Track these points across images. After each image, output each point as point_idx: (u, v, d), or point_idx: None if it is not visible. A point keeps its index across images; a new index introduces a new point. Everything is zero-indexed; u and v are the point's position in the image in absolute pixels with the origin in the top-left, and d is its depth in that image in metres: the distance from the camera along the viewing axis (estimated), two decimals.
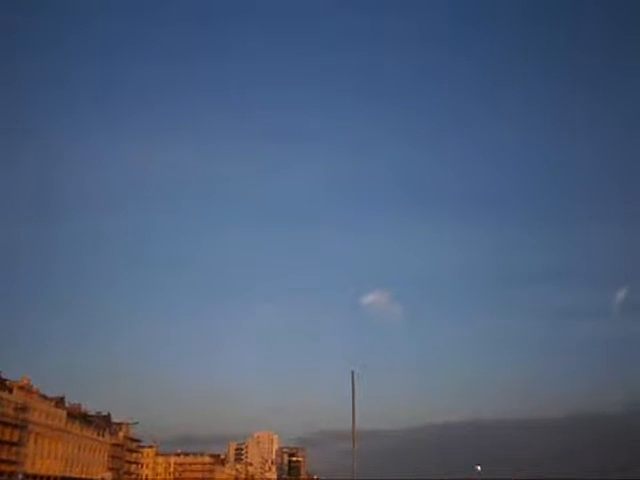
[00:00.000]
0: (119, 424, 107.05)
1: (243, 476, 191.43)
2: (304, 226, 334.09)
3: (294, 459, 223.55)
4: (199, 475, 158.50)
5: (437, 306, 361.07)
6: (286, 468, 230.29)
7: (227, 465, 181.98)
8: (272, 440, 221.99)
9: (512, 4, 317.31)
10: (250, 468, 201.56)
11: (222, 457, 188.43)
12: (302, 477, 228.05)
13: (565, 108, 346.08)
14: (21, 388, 74.28)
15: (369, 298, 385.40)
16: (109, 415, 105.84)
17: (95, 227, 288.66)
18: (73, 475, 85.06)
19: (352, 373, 53.45)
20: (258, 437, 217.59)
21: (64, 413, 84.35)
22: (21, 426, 71.08)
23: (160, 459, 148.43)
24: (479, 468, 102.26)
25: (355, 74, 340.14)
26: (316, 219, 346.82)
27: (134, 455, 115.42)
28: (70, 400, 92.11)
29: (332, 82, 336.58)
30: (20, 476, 69.33)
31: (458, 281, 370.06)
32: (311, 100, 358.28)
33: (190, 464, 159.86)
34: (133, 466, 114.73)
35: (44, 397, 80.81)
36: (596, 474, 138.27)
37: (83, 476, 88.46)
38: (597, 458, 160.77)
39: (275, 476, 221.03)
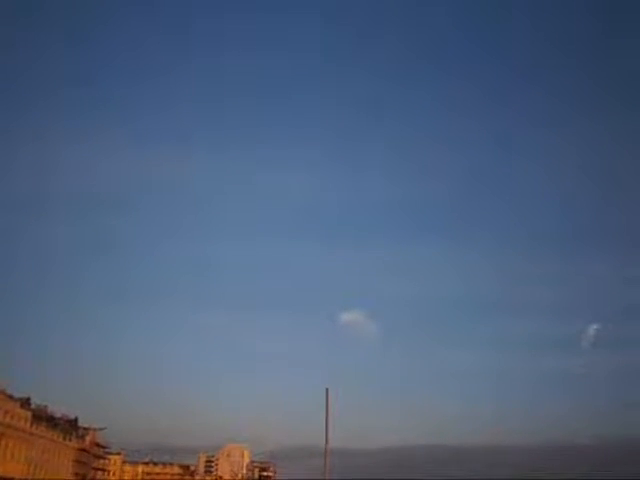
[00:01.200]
0: (86, 429, 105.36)
1: None
2: (284, 240, 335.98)
3: (265, 474, 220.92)
4: None
5: (413, 328, 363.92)
6: None
7: (197, 477, 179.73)
8: (243, 453, 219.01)
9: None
10: None
11: (192, 468, 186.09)
12: None
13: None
14: None
15: (347, 316, 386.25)
16: (76, 419, 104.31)
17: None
18: (37, 479, 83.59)
19: (326, 390, 53.62)
20: (229, 450, 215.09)
21: (29, 414, 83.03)
22: None
23: (127, 467, 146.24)
24: None
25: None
26: (298, 234, 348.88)
27: (101, 462, 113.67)
28: (36, 401, 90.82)
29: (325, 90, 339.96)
30: None
31: (431, 306, 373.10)
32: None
33: (158, 474, 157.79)
34: (99, 473, 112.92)
35: (9, 397, 79.59)
36: None
37: None
38: None
39: None
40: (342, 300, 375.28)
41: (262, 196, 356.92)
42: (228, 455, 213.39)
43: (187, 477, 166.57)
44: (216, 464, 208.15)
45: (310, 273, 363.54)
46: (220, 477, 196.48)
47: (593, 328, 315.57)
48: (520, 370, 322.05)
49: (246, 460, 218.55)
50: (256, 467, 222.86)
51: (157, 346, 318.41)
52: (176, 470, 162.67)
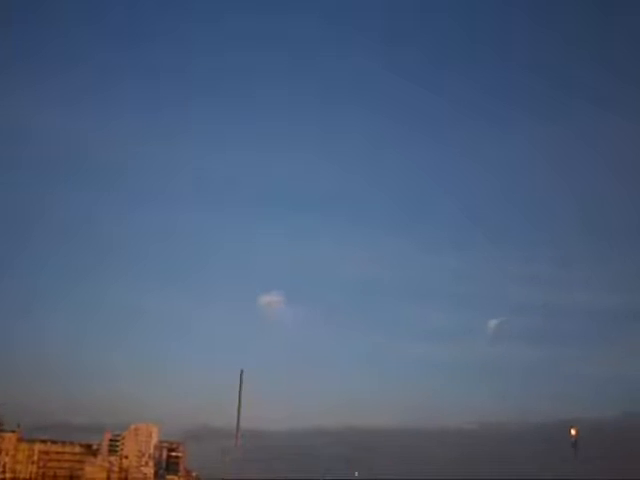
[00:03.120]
0: None
1: (117, 469, 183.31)
2: (205, 216, 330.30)
3: (174, 454, 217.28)
4: (66, 466, 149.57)
5: (331, 314, 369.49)
6: (164, 463, 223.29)
7: (99, 457, 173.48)
8: (152, 433, 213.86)
9: None
10: (125, 461, 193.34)
11: (95, 448, 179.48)
12: (181, 473, 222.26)
13: None
14: None
15: (266, 298, 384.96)
16: None
17: None
18: None
19: (241, 372, 51.84)
20: (137, 429, 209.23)
21: None
22: None
23: (23, 445, 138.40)
24: (357, 474, 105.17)
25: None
26: (219, 209, 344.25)
27: None
28: None
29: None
30: None
31: (353, 293, 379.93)
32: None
33: (57, 453, 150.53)
34: None
35: None
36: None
37: None
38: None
39: (152, 471, 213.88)
40: (261, 281, 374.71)
41: (182, 171, 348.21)
42: (135, 434, 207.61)
43: (89, 457, 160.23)
44: (122, 443, 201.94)
45: (230, 253, 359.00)
46: (125, 457, 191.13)
47: (493, 322, 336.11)
48: (423, 357, 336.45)
49: (154, 440, 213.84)
50: (165, 447, 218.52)
51: (74, 322, 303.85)
52: (77, 449, 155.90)
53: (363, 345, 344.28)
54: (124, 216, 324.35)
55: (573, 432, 42.61)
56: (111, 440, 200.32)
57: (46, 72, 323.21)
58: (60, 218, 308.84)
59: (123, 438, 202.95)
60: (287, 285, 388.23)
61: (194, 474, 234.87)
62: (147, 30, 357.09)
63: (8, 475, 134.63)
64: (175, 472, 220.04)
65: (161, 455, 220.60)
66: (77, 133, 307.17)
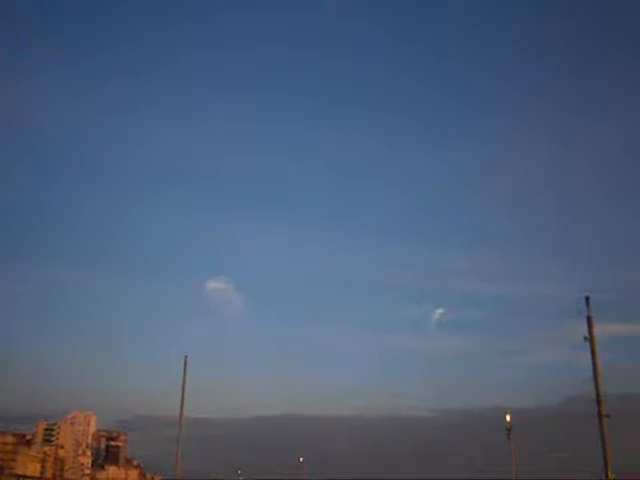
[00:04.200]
0: None
1: (52, 459, 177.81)
2: (155, 202, 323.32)
3: (113, 443, 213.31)
4: None
5: (278, 302, 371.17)
6: (104, 452, 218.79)
7: (33, 447, 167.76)
8: (89, 421, 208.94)
9: None
10: (61, 451, 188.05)
11: (28, 437, 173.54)
12: (121, 462, 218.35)
13: None
14: None
15: (213, 284, 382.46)
16: None
17: None
18: None
19: (185, 358, 50.69)
20: (74, 417, 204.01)
21: None
22: None
23: None
24: (301, 459, 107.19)
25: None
26: (164, 197, 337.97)
27: None
28: None
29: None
30: None
31: (302, 284, 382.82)
32: None
33: None
34: None
35: None
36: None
37: None
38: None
39: (90, 461, 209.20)
40: (209, 268, 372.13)
41: (133, 154, 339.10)
42: (72, 423, 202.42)
43: (22, 447, 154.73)
44: (58, 433, 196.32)
45: (177, 239, 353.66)
46: (61, 446, 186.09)
47: (438, 312, 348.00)
48: (376, 346, 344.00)
49: (93, 429, 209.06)
50: (103, 436, 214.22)
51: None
52: (9, 439, 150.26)
53: (308, 335, 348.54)
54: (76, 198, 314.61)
55: (508, 418, 44.21)
56: (46, 429, 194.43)
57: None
58: None
59: (59, 427, 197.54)
60: (235, 273, 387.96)
61: (135, 463, 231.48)
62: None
63: None
64: (115, 462, 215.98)
65: (100, 444, 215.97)
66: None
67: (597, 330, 24.68)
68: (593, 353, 23.95)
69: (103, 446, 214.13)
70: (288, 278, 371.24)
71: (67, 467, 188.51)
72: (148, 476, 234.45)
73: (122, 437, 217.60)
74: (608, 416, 25.64)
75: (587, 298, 23.88)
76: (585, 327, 24.97)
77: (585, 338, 24.05)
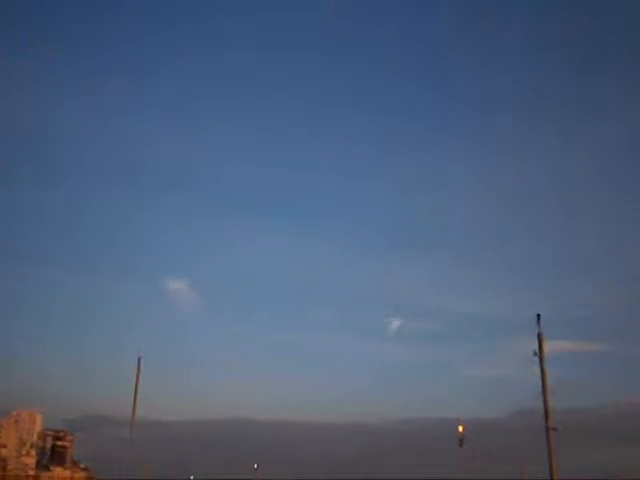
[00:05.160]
0: None
1: None
2: (115, 197, 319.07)
3: (60, 443, 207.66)
4: None
5: (238, 305, 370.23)
6: (49, 453, 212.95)
7: None
8: (35, 420, 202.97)
9: None
10: (3, 450, 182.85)
11: None
12: (67, 464, 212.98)
13: None
14: None
15: (171, 284, 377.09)
16: None
17: None
18: None
19: (139, 359, 50.10)
20: (18, 415, 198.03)
21: None
22: None
23: None
24: (256, 466, 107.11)
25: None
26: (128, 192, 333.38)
27: None
28: None
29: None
30: None
31: (263, 287, 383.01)
32: None
33: None
34: None
35: None
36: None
37: None
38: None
39: (34, 461, 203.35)
40: (166, 267, 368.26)
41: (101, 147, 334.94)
42: (16, 421, 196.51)
43: None
44: (0, 431, 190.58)
45: (135, 236, 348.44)
46: (4, 446, 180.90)
47: (397, 321, 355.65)
48: (332, 352, 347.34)
49: (38, 428, 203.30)
50: (50, 435, 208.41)
51: None
52: None
53: (267, 338, 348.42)
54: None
55: (460, 429, 45.23)
56: None
57: None
58: None
59: (1, 426, 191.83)
60: (194, 272, 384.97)
61: (82, 465, 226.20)
62: None
63: None
64: (61, 463, 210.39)
65: (45, 444, 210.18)
66: None
67: (548, 346, 25.71)
68: (542, 369, 24.95)
69: (49, 446, 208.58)
70: (250, 280, 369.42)
71: (10, 467, 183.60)
72: (96, 478, 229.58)
73: (69, 437, 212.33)
74: (555, 429, 26.70)
75: (538, 315, 24.91)
76: (536, 343, 26.01)
77: (535, 354, 25.05)
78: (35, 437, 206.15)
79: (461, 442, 45.55)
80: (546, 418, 26.58)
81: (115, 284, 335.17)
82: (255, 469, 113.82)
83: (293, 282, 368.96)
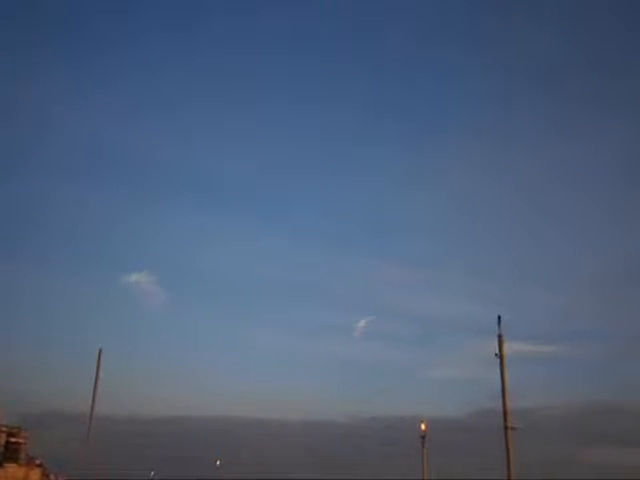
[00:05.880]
0: None
1: None
2: (75, 188, 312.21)
3: (14, 440, 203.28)
4: None
5: (203, 301, 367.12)
6: (3, 449, 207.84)
7: None
8: None
9: None
10: None
11: None
12: (22, 461, 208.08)
13: None
14: None
15: (134, 277, 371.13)
16: None
17: None
18: None
19: (99, 352, 49.36)
20: None
21: None
22: None
23: None
24: (218, 463, 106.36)
25: None
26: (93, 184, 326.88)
27: None
28: None
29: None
30: None
31: (231, 284, 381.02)
32: None
33: None
34: None
35: None
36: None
37: None
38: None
39: None
40: (129, 261, 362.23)
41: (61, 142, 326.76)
42: None
43: None
44: None
45: (96, 229, 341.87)
46: None
47: (364, 321, 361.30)
48: (298, 351, 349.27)
49: None
50: (4, 432, 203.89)
51: None
52: None
53: (233, 336, 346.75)
54: None
55: (423, 427, 46.13)
56: None
57: None
58: None
59: None
60: (161, 266, 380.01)
61: (37, 461, 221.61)
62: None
63: None
64: (15, 459, 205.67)
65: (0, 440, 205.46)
66: None
67: (508, 348, 26.60)
68: (502, 369, 25.81)
69: (3, 442, 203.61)
70: (219, 278, 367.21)
71: None
72: (52, 476, 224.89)
73: (23, 433, 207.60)
74: (513, 429, 27.61)
75: (499, 317, 25.78)
76: (505, 344, 26.86)
77: (496, 355, 25.89)
78: None
79: (423, 440, 46.60)
80: (505, 417, 27.43)
81: (74, 277, 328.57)
82: (217, 466, 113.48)
83: (259, 279, 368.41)
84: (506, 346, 25.65)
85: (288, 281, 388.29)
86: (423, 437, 46.56)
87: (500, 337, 26.04)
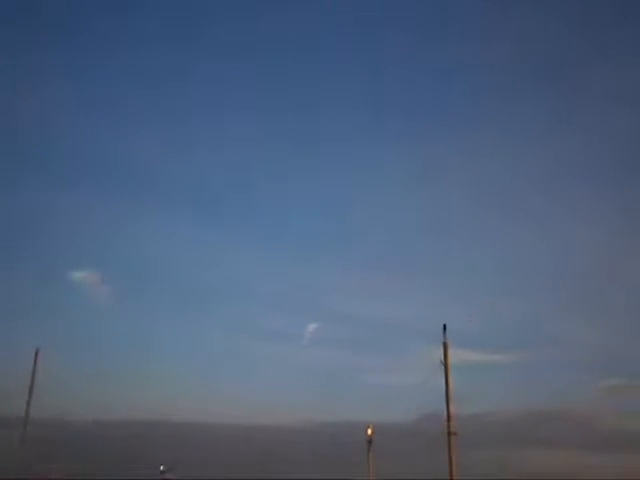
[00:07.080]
0: None
1: None
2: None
3: None
4: None
5: (149, 300, 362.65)
6: None
7: None
8: None
9: None
10: None
11: None
12: None
13: None
14: None
15: (78, 275, 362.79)
16: None
17: None
18: None
19: (36, 352, 48.10)
20: None
21: None
22: None
23: None
24: (162, 467, 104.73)
25: None
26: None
27: None
28: None
29: None
30: None
31: (181, 285, 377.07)
32: None
33: None
34: None
35: None
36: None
37: None
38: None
39: None
40: (73, 258, 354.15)
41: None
42: None
43: None
44: None
45: (40, 224, 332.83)
46: None
47: (313, 326, 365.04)
48: (247, 356, 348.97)
49: None
50: None
51: None
52: None
53: (183, 336, 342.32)
54: None
55: (369, 431, 47.10)
56: None
57: None
58: None
59: None
60: (106, 265, 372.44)
61: None
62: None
63: None
64: None
65: None
66: None
67: (453, 355, 27.62)
68: (446, 376, 26.79)
69: None
70: (167, 277, 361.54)
71: None
72: None
73: None
74: (455, 433, 28.69)
75: (444, 326, 26.79)
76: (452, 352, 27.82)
77: (441, 362, 26.84)
78: None
79: (369, 444, 47.63)
80: (448, 423, 28.42)
81: (14, 274, 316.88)
82: (161, 471, 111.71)
83: (206, 280, 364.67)
84: (455, 354, 26.67)
85: (233, 283, 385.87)
86: (369, 441, 47.88)
87: (445, 345, 27.01)
